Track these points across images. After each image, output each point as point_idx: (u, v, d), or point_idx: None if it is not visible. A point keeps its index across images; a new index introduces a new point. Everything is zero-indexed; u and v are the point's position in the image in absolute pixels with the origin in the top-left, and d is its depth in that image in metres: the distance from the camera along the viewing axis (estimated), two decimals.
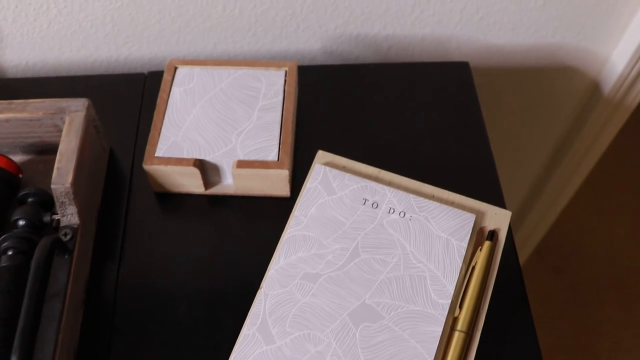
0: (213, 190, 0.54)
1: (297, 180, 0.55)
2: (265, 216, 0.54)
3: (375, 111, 0.61)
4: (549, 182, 0.96)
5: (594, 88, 0.81)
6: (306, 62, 0.71)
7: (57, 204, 0.48)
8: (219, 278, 0.51)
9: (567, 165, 0.92)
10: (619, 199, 1.35)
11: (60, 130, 0.52)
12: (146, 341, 0.49)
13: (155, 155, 0.52)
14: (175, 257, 0.52)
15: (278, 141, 0.53)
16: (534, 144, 0.90)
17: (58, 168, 0.48)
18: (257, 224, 0.54)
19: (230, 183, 0.54)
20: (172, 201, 0.55)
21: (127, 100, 0.62)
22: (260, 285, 0.47)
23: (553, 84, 0.80)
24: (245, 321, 0.46)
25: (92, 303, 0.50)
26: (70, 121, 0.51)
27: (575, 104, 0.84)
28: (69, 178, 0.48)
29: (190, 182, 0.53)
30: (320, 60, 0.71)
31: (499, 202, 0.54)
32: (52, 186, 0.47)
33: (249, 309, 0.46)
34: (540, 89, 0.81)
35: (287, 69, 0.57)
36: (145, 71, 0.67)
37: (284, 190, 0.54)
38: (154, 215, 0.54)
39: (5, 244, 0.47)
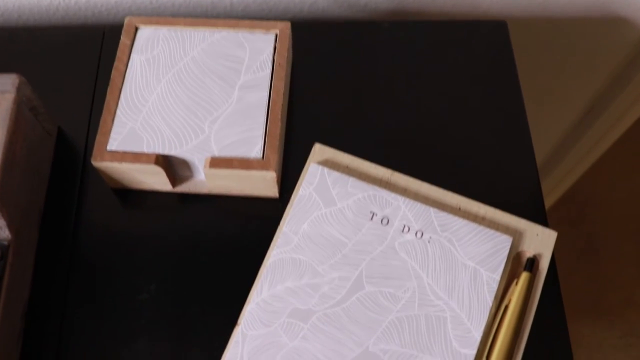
0: (183, 188, 0.44)
1: (289, 179, 0.45)
2: (248, 220, 0.44)
3: (388, 88, 0.49)
4: (578, 141, 0.85)
5: None
6: (305, 10, 0.57)
7: None
8: (189, 302, 0.41)
9: (601, 125, 0.81)
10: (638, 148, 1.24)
11: None
12: None
13: (107, 148, 0.41)
14: (135, 273, 0.42)
15: (263, 131, 0.42)
16: (568, 100, 0.79)
17: None
18: (237, 229, 0.44)
19: (203, 179, 0.44)
20: (133, 198, 0.44)
21: (81, 63, 0.50)
22: (238, 322, 0.38)
23: (598, 38, 0.67)
24: None
25: (35, 333, 0.41)
26: None
27: (620, 59, 0.71)
28: None
29: (154, 180, 0.42)
30: (322, 4, 0.57)
31: (540, 216, 0.43)
32: None
33: (225, 345, 0.37)
34: (583, 43, 0.68)
35: (277, 31, 0.45)
36: (106, 23, 0.54)
37: (270, 192, 0.43)
38: (111, 216, 0.44)
39: None
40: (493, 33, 0.51)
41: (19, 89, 0.40)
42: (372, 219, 0.40)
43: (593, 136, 0.83)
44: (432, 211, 0.40)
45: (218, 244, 0.43)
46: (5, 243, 0.39)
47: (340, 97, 0.48)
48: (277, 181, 0.42)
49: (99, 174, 0.45)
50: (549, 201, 1.03)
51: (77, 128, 0.47)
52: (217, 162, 0.40)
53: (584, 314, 1.14)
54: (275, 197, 0.44)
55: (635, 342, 1.13)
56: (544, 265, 0.39)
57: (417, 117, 0.48)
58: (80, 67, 0.49)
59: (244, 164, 0.41)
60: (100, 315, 0.41)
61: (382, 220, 0.40)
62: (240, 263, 0.42)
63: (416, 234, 0.39)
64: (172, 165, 0.42)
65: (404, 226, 0.39)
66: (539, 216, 0.43)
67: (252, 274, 0.39)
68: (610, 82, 0.75)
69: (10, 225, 0.39)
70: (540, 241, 0.40)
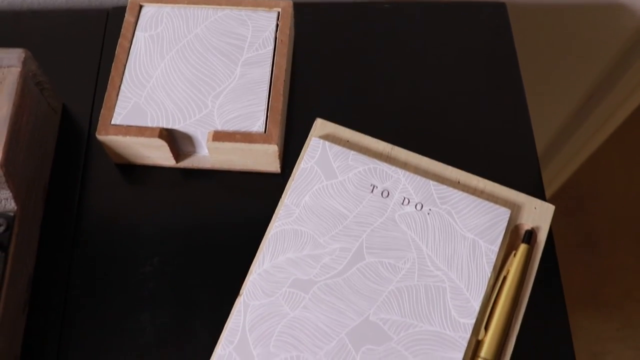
0: (186, 163, 0.44)
1: (290, 154, 0.45)
2: (250, 195, 0.44)
3: (390, 68, 0.50)
4: (576, 131, 0.86)
5: None
6: None
7: None
8: (192, 275, 0.42)
9: (600, 114, 0.81)
10: (637, 140, 1.24)
11: None
12: (102, 353, 0.40)
13: (112, 122, 0.42)
14: (139, 247, 0.43)
15: (265, 106, 0.42)
16: (566, 89, 0.79)
17: None
18: (239, 204, 0.44)
19: (206, 154, 0.44)
20: (137, 174, 0.45)
21: (86, 43, 0.50)
22: (240, 292, 0.38)
23: (597, 24, 0.68)
24: (221, 337, 0.38)
25: (39, 304, 0.41)
26: (0, 80, 0.40)
27: (620, 46, 0.72)
28: None
29: (157, 155, 0.43)
30: None
31: (539, 190, 0.44)
32: None
33: (226, 317, 0.38)
34: (582, 30, 0.69)
35: (279, 10, 0.46)
36: (110, 6, 0.55)
37: (272, 166, 0.44)
38: (115, 191, 0.45)
39: None
40: (492, 14, 0.52)
41: (25, 63, 0.41)
42: (372, 191, 0.40)
43: (591, 126, 0.84)
44: (432, 184, 0.40)
45: (220, 218, 0.44)
46: (12, 214, 0.39)
47: (341, 75, 0.49)
48: (279, 155, 0.43)
49: (103, 150, 0.45)
50: (547, 192, 1.03)
51: (81, 106, 0.48)
52: (220, 136, 0.41)
53: (583, 306, 1.15)
54: (277, 172, 0.44)
55: (633, 333, 1.14)
56: (542, 237, 0.40)
57: (417, 95, 0.49)
58: (84, 48, 0.50)
59: (247, 137, 0.41)
60: (104, 287, 0.42)
61: (382, 193, 0.40)
62: (242, 237, 0.43)
63: (416, 206, 0.40)
64: (175, 140, 0.43)
65: (404, 198, 0.40)
66: (537, 191, 0.44)
67: (254, 247, 0.39)
68: (610, 69, 0.76)
69: (16, 197, 0.39)
70: (538, 214, 0.40)
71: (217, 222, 0.43)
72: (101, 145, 0.45)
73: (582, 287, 1.16)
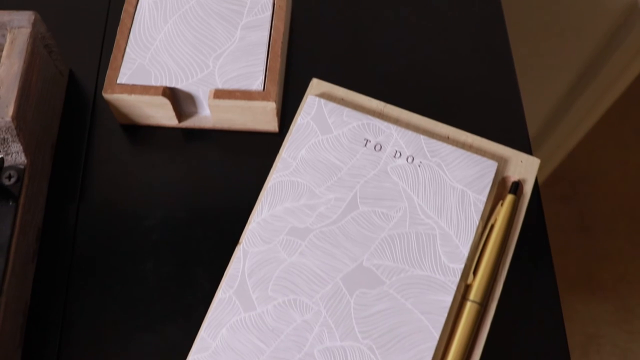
0: (188, 123, 0.46)
1: (288, 114, 0.47)
2: (250, 153, 0.46)
3: (383, 32, 0.52)
4: (569, 112, 0.87)
5: (632, 7, 0.71)
6: None
7: None
8: (194, 227, 0.44)
9: (591, 94, 0.83)
10: (633, 125, 1.26)
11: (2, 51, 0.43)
12: (108, 301, 0.42)
13: (118, 82, 0.44)
14: (143, 201, 0.45)
15: (264, 67, 0.44)
16: (558, 67, 0.81)
17: None
18: (239, 162, 0.46)
19: (208, 114, 0.46)
20: (141, 134, 0.47)
21: (91, 12, 0.52)
22: (240, 241, 0.40)
23: (587, 1, 0.70)
24: (221, 283, 0.39)
25: (47, 254, 0.43)
26: (11, 40, 0.42)
27: (611, 24, 0.74)
28: (10, 110, 0.39)
29: (161, 114, 0.45)
30: None
31: (525, 145, 0.46)
32: None
33: (226, 266, 0.40)
34: (574, 4, 0.71)
35: None
36: None
37: (271, 125, 0.46)
38: (120, 150, 0.46)
39: None
40: None
41: (34, 25, 0.43)
42: (365, 145, 0.42)
43: (582, 107, 0.86)
44: (422, 138, 0.42)
45: (220, 175, 0.46)
46: (22, 167, 0.41)
47: (337, 39, 0.51)
48: (277, 114, 0.45)
49: (108, 112, 0.47)
50: (541, 175, 1.05)
51: (87, 71, 0.50)
52: (220, 94, 0.43)
53: (578, 289, 1.17)
54: (275, 131, 0.46)
55: (628, 317, 1.15)
56: (528, 189, 0.42)
57: (410, 57, 0.51)
58: (89, 14, 0.52)
59: (246, 95, 0.43)
60: (109, 239, 0.44)
61: (375, 147, 0.42)
62: (241, 192, 0.45)
63: (407, 159, 0.42)
64: (178, 99, 0.45)
65: (396, 152, 0.42)
66: (524, 146, 0.45)
67: (252, 201, 0.41)
68: (601, 47, 0.77)
69: (26, 151, 0.41)
70: (525, 167, 0.42)
71: (217, 179, 0.45)
72: (107, 107, 0.47)
73: (577, 271, 1.18)
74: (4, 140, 0.40)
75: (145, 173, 0.46)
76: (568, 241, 1.20)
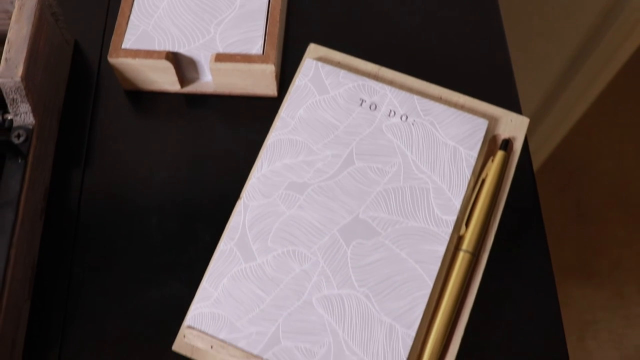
0: (190, 89, 0.48)
1: (286, 79, 0.49)
2: (249, 118, 0.48)
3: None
4: (564, 92, 0.89)
5: None
6: None
7: (8, 101, 0.42)
8: (195, 187, 0.46)
9: (586, 73, 0.85)
10: (629, 114, 1.28)
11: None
12: (113, 255, 0.43)
13: (122, 47, 0.45)
14: (146, 163, 0.46)
15: (263, 32, 0.46)
16: (554, 46, 0.83)
17: (6, 59, 0.42)
18: (239, 127, 0.48)
19: (209, 80, 0.48)
20: (144, 100, 0.48)
21: None
22: (240, 196, 0.42)
23: None
24: (223, 235, 0.41)
25: (54, 212, 0.45)
26: (20, 6, 0.43)
27: (603, 5, 0.76)
28: (19, 71, 0.41)
29: (164, 79, 0.47)
30: None
31: (515, 107, 0.48)
32: (0, 80, 0.41)
33: (227, 220, 0.41)
34: None
35: None
36: None
37: (270, 89, 0.47)
38: (124, 116, 0.48)
39: None
40: None
41: None
42: (361, 105, 0.44)
43: (577, 88, 0.87)
44: (416, 98, 0.44)
45: (221, 138, 0.47)
46: (30, 127, 0.43)
47: (334, 5, 0.53)
48: (276, 77, 0.46)
49: (113, 80, 0.49)
50: (537, 161, 1.07)
51: (92, 41, 0.51)
52: (221, 57, 0.45)
53: (574, 276, 1.18)
54: (274, 95, 0.48)
55: (624, 302, 1.17)
56: (518, 146, 0.43)
57: (405, 22, 0.52)
58: None
59: (246, 58, 0.45)
60: (114, 198, 0.45)
61: (370, 106, 0.44)
62: (241, 153, 0.46)
63: (401, 117, 0.43)
64: (180, 64, 0.46)
65: (390, 111, 0.44)
66: (514, 108, 0.47)
67: (251, 163, 0.43)
68: (593, 28, 0.79)
69: (34, 112, 0.43)
70: (514, 126, 0.44)
71: (218, 141, 0.47)
72: (111, 75, 0.49)
73: (574, 259, 1.20)
74: (14, 100, 0.42)
75: (149, 136, 0.47)
76: (565, 230, 1.21)
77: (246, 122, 0.48)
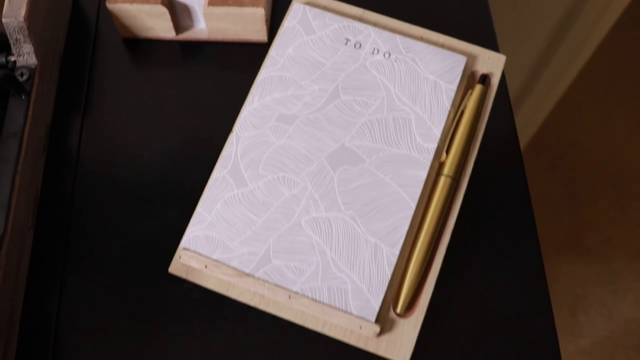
0: (185, 36, 0.50)
1: (275, 27, 0.51)
2: (241, 63, 0.50)
3: None
4: (549, 64, 0.91)
5: None
6: None
7: (12, 42, 0.44)
8: (189, 126, 0.48)
9: (570, 44, 0.87)
10: (619, 92, 1.30)
11: None
12: (111, 190, 0.46)
13: None
14: (143, 107, 0.49)
15: None
16: (537, 17, 0.85)
17: (10, 1, 0.44)
18: (231, 71, 0.50)
19: (203, 27, 0.50)
20: (141, 48, 0.51)
21: None
22: (232, 129, 0.44)
23: None
24: (216, 164, 0.43)
25: (55, 150, 0.47)
26: None
27: None
28: (22, 11, 0.43)
29: (160, 25, 0.49)
30: None
31: (493, 47, 0.50)
32: (4, 20, 0.43)
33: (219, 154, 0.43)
34: None
35: None
36: None
37: (260, 34, 0.50)
38: (122, 62, 0.50)
39: None
40: None
41: None
42: (346, 44, 0.46)
43: (561, 60, 0.90)
44: (398, 37, 0.46)
45: (214, 82, 0.49)
46: (33, 67, 0.45)
47: None
48: (266, 22, 0.49)
49: (111, 28, 0.51)
50: (524, 136, 1.09)
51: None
52: (214, 2, 0.47)
53: (565, 251, 1.20)
54: (265, 41, 0.50)
55: (614, 278, 1.19)
56: (495, 81, 0.46)
57: None
58: None
59: (238, 2, 0.47)
60: (113, 137, 0.47)
61: (355, 45, 0.46)
62: (232, 96, 0.48)
63: (384, 55, 0.46)
64: (175, 10, 0.49)
65: (374, 49, 0.46)
66: (491, 46, 0.49)
67: (242, 104, 0.45)
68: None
69: (36, 52, 0.45)
70: (492, 63, 0.46)
71: (211, 85, 0.49)
72: (109, 23, 0.51)
73: (564, 236, 1.22)
74: (17, 40, 0.44)
75: (146, 82, 0.50)
76: (556, 208, 1.24)
77: (238, 65, 0.50)
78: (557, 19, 0.84)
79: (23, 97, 0.44)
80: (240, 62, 0.50)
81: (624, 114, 1.27)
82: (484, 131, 0.44)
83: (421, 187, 0.42)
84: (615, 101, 1.26)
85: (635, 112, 1.28)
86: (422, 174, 0.43)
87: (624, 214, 1.23)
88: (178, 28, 0.50)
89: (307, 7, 0.47)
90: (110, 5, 0.48)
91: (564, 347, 1.14)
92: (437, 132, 0.44)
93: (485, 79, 0.45)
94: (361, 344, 0.40)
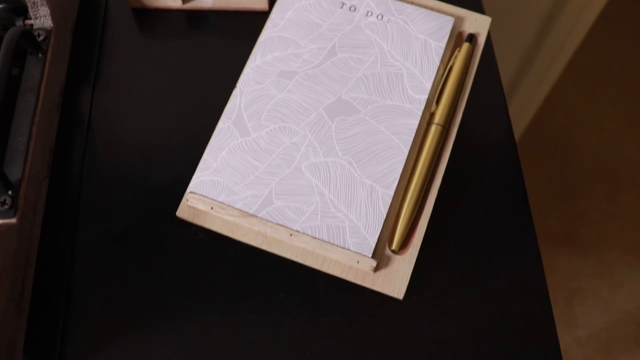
0: (191, 5, 0.54)
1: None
2: (244, 32, 0.53)
3: None
4: (537, 56, 0.95)
5: None
6: None
7: (29, 5, 0.48)
8: (196, 92, 0.51)
9: (556, 37, 0.91)
10: (612, 87, 1.34)
11: None
12: (121, 145, 0.48)
13: None
14: (151, 72, 0.52)
15: None
16: (527, 7, 0.89)
17: None
18: (235, 39, 0.53)
19: None
20: (149, 17, 0.54)
21: None
22: (236, 85, 0.47)
23: None
24: (221, 116, 0.46)
25: (68, 110, 0.50)
26: None
27: None
28: None
29: None
30: None
31: (479, 10, 0.53)
32: None
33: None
34: None
35: None
36: None
37: (262, 2, 0.53)
38: (131, 32, 0.54)
39: None
40: None
41: None
42: (342, 7, 0.49)
43: (550, 50, 0.93)
44: (390, 1, 0.49)
45: (218, 48, 0.53)
46: (49, 28, 0.48)
47: None
48: None
49: (120, 0, 0.54)
50: (519, 126, 1.12)
51: None
52: None
53: (560, 245, 1.23)
54: (265, 9, 0.54)
55: (609, 270, 1.21)
56: (481, 41, 0.49)
57: None
58: None
59: None
60: (123, 101, 0.50)
61: (350, 8, 0.49)
62: (235, 59, 0.52)
63: (377, 16, 0.49)
64: None
65: (368, 12, 0.49)
66: (478, 10, 0.52)
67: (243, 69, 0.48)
68: None
69: (52, 16, 0.48)
70: (478, 24, 0.49)
71: (215, 51, 0.52)
72: None
73: (560, 229, 1.24)
74: (34, 3, 0.47)
75: (154, 51, 0.53)
76: (550, 204, 1.26)
77: (240, 33, 0.53)
78: (546, 10, 0.88)
79: (40, 55, 0.47)
80: (243, 29, 0.53)
81: (617, 107, 1.31)
82: (471, 85, 0.47)
83: (413, 134, 0.45)
84: (607, 96, 1.30)
85: (628, 105, 1.31)
86: (414, 122, 0.45)
87: (617, 208, 1.26)
88: None
89: None
90: None
91: (561, 337, 1.16)
92: (428, 84, 0.47)
93: (472, 38, 0.48)
94: (359, 280, 0.42)
